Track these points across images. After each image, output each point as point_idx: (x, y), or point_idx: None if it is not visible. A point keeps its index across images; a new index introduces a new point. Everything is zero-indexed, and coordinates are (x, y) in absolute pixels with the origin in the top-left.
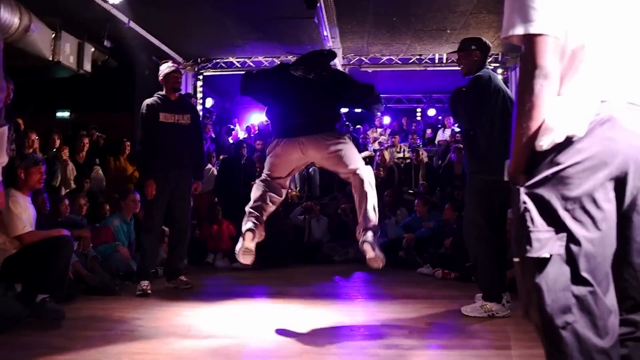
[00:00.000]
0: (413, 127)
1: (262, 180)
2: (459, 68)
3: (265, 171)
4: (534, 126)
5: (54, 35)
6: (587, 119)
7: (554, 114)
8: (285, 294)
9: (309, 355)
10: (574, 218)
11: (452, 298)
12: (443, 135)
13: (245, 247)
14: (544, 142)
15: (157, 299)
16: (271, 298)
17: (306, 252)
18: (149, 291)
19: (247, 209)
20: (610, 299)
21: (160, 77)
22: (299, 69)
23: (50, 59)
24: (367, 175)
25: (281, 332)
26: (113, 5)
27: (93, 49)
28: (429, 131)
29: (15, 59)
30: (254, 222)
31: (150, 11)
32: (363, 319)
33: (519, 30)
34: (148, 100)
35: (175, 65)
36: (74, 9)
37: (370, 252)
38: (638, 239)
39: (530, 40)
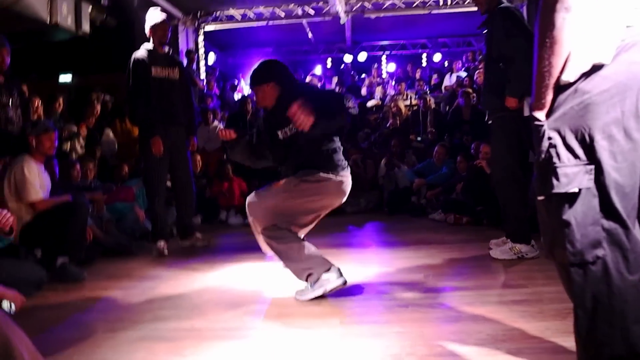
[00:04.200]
0: (418, 74)
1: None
2: (476, 7)
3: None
4: (558, 62)
5: None
6: (614, 45)
7: (580, 43)
8: None
9: (327, 303)
10: (603, 148)
11: (465, 242)
12: (450, 80)
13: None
14: (571, 76)
15: (174, 258)
16: None
17: None
18: (166, 251)
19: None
20: (637, 230)
21: (148, 29)
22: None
23: (48, 21)
24: None
25: (297, 281)
26: None
27: (91, 8)
28: (435, 77)
29: (12, 23)
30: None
31: None
32: (377, 266)
33: None
34: (137, 54)
35: (164, 14)
36: None
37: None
38: None
39: None
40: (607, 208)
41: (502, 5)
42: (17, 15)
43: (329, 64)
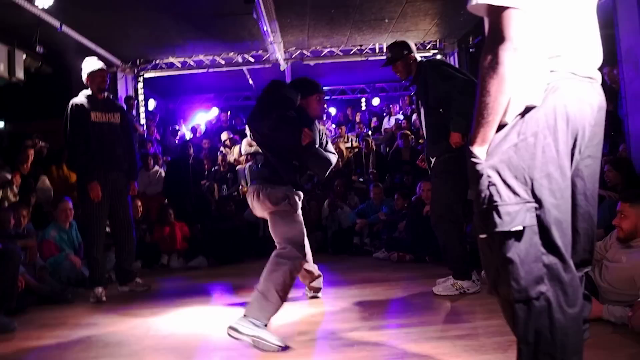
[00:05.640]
0: (358, 117)
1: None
2: (397, 75)
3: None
4: (503, 99)
5: None
6: (542, 88)
7: (517, 85)
8: (243, 288)
9: None
10: (543, 186)
11: (409, 279)
12: (389, 123)
13: None
14: (510, 117)
15: (112, 304)
16: (229, 293)
17: (261, 246)
18: (104, 298)
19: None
20: (573, 264)
21: (85, 76)
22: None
23: None
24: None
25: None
26: (43, 10)
27: (25, 56)
28: (374, 120)
29: None
30: None
31: (84, 14)
32: (323, 306)
33: (490, 0)
34: (76, 100)
35: (101, 62)
36: (1, 15)
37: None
38: (582, 203)
39: (498, 12)
40: (548, 244)
41: (424, 59)
42: None
43: None
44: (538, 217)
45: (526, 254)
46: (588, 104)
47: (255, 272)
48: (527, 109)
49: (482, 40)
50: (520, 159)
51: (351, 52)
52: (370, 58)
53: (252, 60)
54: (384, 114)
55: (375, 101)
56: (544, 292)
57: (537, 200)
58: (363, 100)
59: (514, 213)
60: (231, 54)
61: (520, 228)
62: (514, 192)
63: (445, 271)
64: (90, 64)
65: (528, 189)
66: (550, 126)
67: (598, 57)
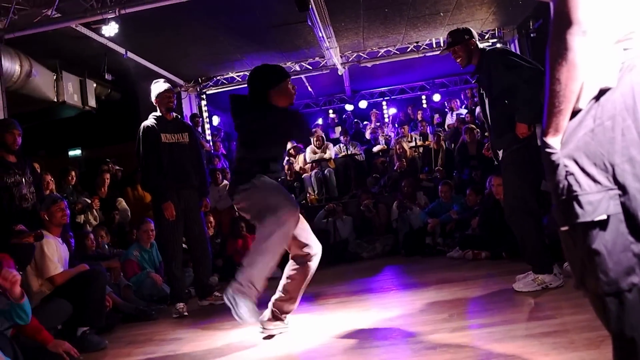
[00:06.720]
0: (420, 115)
1: None
2: (457, 61)
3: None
4: (575, 86)
5: (55, 77)
6: (617, 69)
7: (590, 68)
8: (320, 296)
9: (354, 351)
10: (626, 171)
11: (486, 277)
12: (452, 119)
13: None
14: (584, 103)
15: (194, 319)
16: (307, 301)
17: (333, 252)
18: (186, 312)
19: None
20: None
21: (154, 98)
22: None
23: (55, 100)
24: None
25: (322, 332)
26: (109, 39)
27: (95, 85)
28: (436, 116)
29: (22, 104)
30: None
31: (146, 39)
32: (400, 309)
33: None
34: (146, 123)
35: (168, 83)
36: (72, 48)
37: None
38: None
39: None
40: (637, 232)
41: (488, 48)
42: (26, 97)
43: (331, 115)
44: (623, 205)
45: (613, 244)
46: None
47: (330, 279)
48: (602, 92)
49: (543, 24)
50: (598, 145)
51: (408, 50)
52: (428, 54)
53: (310, 67)
54: (446, 110)
55: (436, 97)
56: (636, 284)
57: (620, 186)
58: (423, 97)
59: (596, 202)
60: (289, 63)
61: (605, 217)
62: (594, 180)
63: (524, 267)
64: (158, 86)
65: (609, 175)
66: (629, 107)
67: None
